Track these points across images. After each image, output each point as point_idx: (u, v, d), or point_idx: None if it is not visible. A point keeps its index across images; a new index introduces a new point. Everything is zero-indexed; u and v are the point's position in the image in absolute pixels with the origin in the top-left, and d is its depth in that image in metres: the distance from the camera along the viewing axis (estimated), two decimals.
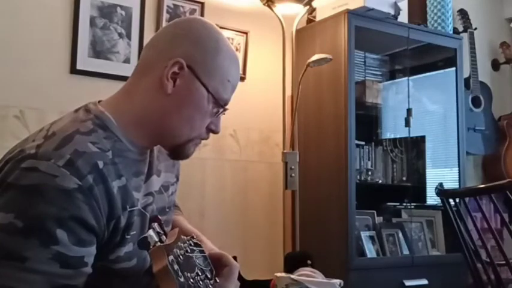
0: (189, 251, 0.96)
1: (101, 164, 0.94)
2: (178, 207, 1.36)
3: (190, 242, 0.99)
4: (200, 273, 0.94)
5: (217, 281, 1.03)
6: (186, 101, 1.04)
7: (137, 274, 1.04)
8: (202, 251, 1.03)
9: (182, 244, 0.94)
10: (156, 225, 0.95)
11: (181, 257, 0.90)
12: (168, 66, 1.02)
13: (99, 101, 1.07)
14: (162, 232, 1.02)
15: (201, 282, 0.93)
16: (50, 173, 0.88)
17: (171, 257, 0.86)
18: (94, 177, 0.91)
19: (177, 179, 1.25)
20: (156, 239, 0.93)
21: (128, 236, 1.00)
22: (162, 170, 1.16)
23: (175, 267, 0.86)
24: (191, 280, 0.89)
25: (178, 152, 1.09)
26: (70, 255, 0.88)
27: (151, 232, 0.92)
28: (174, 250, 0.89)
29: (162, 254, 0.86)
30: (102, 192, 0.92)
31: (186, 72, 1.03)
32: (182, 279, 0.85)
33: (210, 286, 0.98)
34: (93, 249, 0.93)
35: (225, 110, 1.09)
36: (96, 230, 0.92)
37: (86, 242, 0.90)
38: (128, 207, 0.99)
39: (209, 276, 1.00)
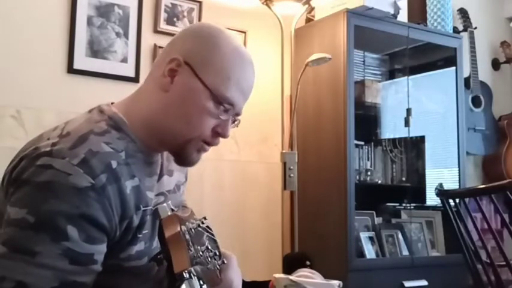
0: (201, 227, 0.97)
1: (114, 164, 0.95)
2: (187, 207, 1.36)
3: (203, 221, 0.99)
4: (209, 250, 0.95)
5: (225, 262, 1.03)
6: (183, 97, 1.03)
7: (148, 272, 1.05)
8: (212, 234, 1.04)
9: (194, 221, 0.96)
10: (170, 202, 0.96)
11: (193, 230, 0.91)
12: (165, 63, 1.03)
13: (112, 103, 1.09)
14: (174, 209, 1.02)
15: (209, 259, 0.94)
16: (64, 170, 0.90)
17: (183, 227, 0.88)
18: (107, 177, 0.93)
19: (186, 179, 1.28)
20: (169, 212, 0.93)
21: (140, 235, 1.01)
22: (175, 169, 1.18)
23: (187, 237, 0.86)
24: (200, 253, 0.90)
25: (180, 155, 1.07)
26: (80, 252, 0.89)
27: (165, 205, 0.93)
28: (187, 223, 0.91)
29: (175, 222, 0.88)
30: (115, 191, 0.93)
31: (184, 69, 1.03)
32: (192, 251, 0.86)
33: (218, 266, 0.99)
34: (103, 247, 0.93)
35: (227, 109, 1.04)
36: (107, 228, 0.93)
37: (96, 239, 0.91)
38: (141, 206, 1.00)
39: (218, 255, 1.00)
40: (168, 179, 1.13)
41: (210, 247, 0.96)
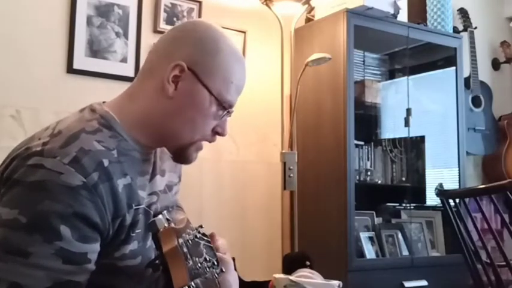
0: (197, 237, 0.97)
1: (106, 162, 0.95)
2: (181, 207, 1.37)
3: (199, 230, 1.00)
4: (207, 260, 0.96)
5: (223, 270, 1.04)
6: (188, 103, 1.04)
7: (142, 272, 1.05)
8: (208, 241, 1.05)
9: (191, 231, 0.96)
10: (165, 212, 0.96)
11: (190, 241, 0.92)
12: (169, 70, 1.03)
13: (103, 102, 1.08)
14: (170, 219, 1.03)
15: (207, 269, 0.95)
16: (55, 169, 0.89)
17: (180, 240, 0.88)
18: (99, 175, 0.92)
19: (179, 179, 1.28)
20: (165, 224, 0.94)
21: (133, 234, 1.01)
22: (167, 169, 1.18)
23: (185, 250, 0.87)
24: (199, 265, 0.91)
25: (181, 155, 1.10)
26: (73, 251, 0.88)
27: (160, 216, 0.93)
28: (184, 235, 0.91)
29: (172, 236, 0.88)
30: (107, 189, 0.93)
31: (188, 75, 1.03)
32: (191, 263, 0.86)
33: (216, 275, 1.00)
34: (96, 246, 0.93)
35: (229, 112, 1.09)
36: (100, 227, 0.92)
37: (89, 238, 0.91)
38: (133, 205, 1.00)
39: (215, 264, 1.01)
40: (160, 179, 1.13)
41: (208, 257, 0.97)
